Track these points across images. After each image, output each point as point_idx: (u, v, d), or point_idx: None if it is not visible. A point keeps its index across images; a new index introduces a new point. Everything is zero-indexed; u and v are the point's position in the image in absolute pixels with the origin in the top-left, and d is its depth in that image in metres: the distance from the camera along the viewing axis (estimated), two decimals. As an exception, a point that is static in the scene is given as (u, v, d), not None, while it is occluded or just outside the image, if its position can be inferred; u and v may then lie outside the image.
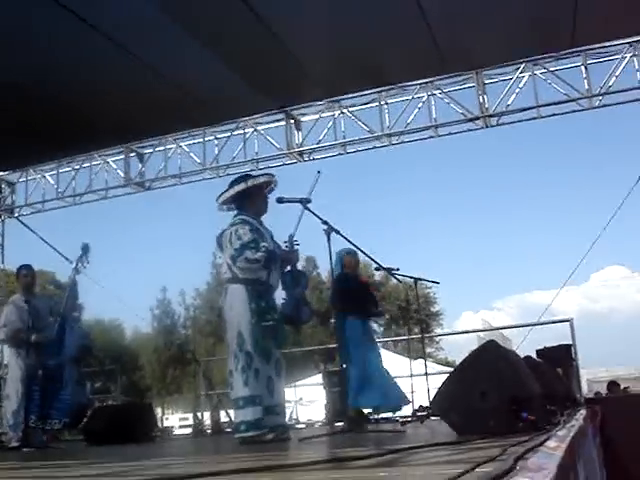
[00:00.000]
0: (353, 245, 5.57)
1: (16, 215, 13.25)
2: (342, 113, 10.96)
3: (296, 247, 5.44)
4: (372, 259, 6.09)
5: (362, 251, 5.82)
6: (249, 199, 5.41)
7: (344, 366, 5.91)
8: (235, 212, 5.47)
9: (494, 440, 2.99)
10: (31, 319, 7.15)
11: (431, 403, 4.07)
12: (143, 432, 8.05)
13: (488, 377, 3.72)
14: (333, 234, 5.14)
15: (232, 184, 5.48)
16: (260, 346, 5.10)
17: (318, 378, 15.35)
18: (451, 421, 3.84)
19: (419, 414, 7.71)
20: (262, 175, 5.57)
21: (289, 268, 5.49)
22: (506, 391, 3.66)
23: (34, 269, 7.86)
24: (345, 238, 5.26)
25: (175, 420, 25.24)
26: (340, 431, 5.26)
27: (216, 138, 11.65)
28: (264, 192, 5.48)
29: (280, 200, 5.22)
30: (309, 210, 5.15)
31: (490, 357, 3.84)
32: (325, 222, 5.12)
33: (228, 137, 11.54)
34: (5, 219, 13.36)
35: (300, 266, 5.72)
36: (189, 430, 14.23)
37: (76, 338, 7.31)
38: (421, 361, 10.48)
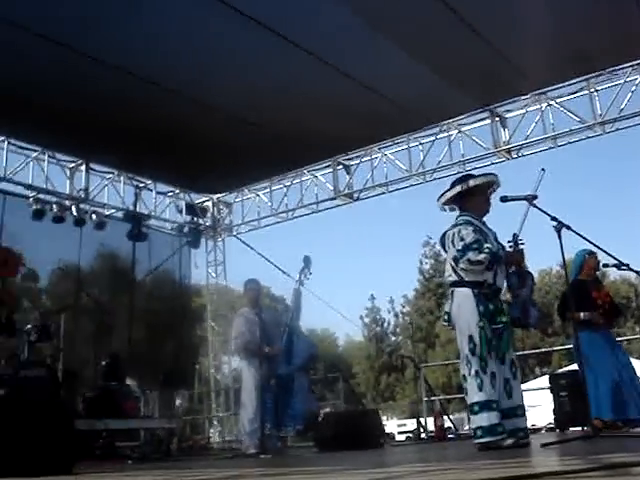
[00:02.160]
0: (587, 241, 5.27)
1: (234, 233, 14.02)
2: (549, 105, 10.54)
3: (521, 246, 5.24)
4: (610, 255, 5.73)
5: (596, 246, 5.52)
6: (471, 199, 5.29)
7: (578, 370, 5.61)
8: (458, 213, 5.38)
9: None
10: (261, 331, 7.45)
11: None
12: (371, 438, 8.10)
13: None
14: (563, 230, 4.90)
15: (453, 184, 5.39)
16: (494, 349, 4.97)
17: (538, 382, 14.85)
18: None
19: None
20: (484, 175, 5.42)
21: (514, 269, 5.31)
22: None
23: (260, 283, 8.20)
24: (577, 234, 5.00)
25: (393, 426, 25.40)
26: (584, 436, 5.00)
27: (420, 143, 11.62)
28: (486, 192, 5.34)
29: (504, 199, 5.07)
30: (536, 207, 4.95)
31: None
32: (554, 218, 4.90)
33: (433, 141, 11.48)
34: (225, 238, 14.16)
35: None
36: (407, 436, 14.27)
37: (304, 348, 7.53)
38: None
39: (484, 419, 4.86)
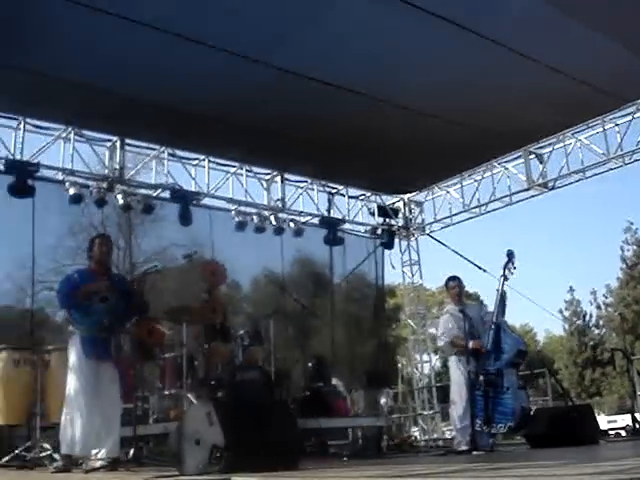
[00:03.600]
0: None
1: (427, 232, 14.03)
2: None
3: None
4: None
5: None
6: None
7: None
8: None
9: None
10: (467, 327, 7.42)
11: None
12: (585, 434, 7.82)
13: None
14: None
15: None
16: None
17: None
18: None
19: None
20: None
21: None
22: None
23: (461, 280, 8.18)
24: None
25: (602, 422, 24.23)
26: None
27: (616, 125, 11.04)
28: None
29: None
30: None
31: None
32: None
33: (630, 121, 10.85)
34: (418, 237, 14.21)
35: None
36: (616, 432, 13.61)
37: (512, 343, 7.40)
38: None
39: None
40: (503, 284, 7.47)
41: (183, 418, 5.09)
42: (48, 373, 7.47)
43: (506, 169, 12.35)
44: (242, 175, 11.85)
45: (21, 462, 6.96)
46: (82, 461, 5.89)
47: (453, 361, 7.81)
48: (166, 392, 7.89)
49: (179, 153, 11.25)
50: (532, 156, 11.99)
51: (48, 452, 6.99)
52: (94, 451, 5.88)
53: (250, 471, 4.19)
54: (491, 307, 7.81)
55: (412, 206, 14.07)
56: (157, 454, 7.20)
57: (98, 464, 5.77)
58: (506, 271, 7.47)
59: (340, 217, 12.90)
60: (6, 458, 6.95)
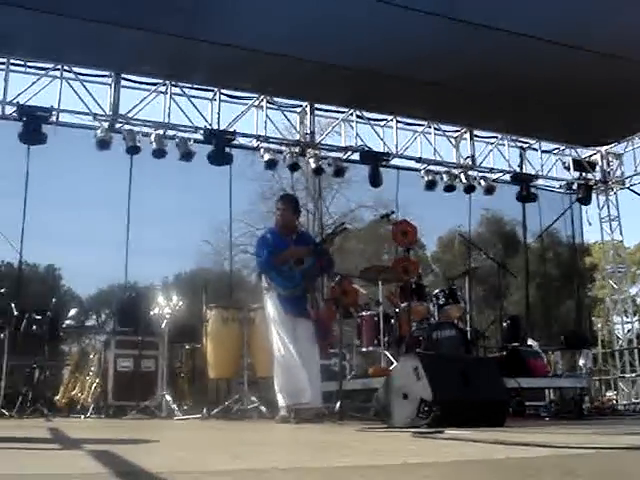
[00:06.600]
0: None
1: (627, 186, 13.26)
2: None
3: None
4: None
5: None
6: None
7: None
8: None
9: None
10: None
11: None
12: None
13: None
14: None
15: None
16: None
17: None
18: None
19: None
20: None
21: None
22: None
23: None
24: None
25: None
26: None
27: None
28: None
29: None
30: None
31: None
32: None
33: None
34: (617, 191, 13.46)
35: None
36: None
37: None
38: None
39: None
40: None
41: (391, 373, 5.16)
42: (253, 330, 7.83)
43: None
44: (430, 134, 11.75)
45: (228, 414, 7.36)
46: (292, 413, 6.11)
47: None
48: (363, 349, 8.05)
49: (367, 115, 11.33)
50: None
51: (255, 404, 7.36)
52: (302, 403, 6.09)
53: (457, 426, 4.18)
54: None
55: (610, 158, 13.33)
56: (354, 409, 7.37)
57: (306, 415, 5.97)
58: None
59: (533, 173, 12.45)
60: (216, 410, 7.37)
